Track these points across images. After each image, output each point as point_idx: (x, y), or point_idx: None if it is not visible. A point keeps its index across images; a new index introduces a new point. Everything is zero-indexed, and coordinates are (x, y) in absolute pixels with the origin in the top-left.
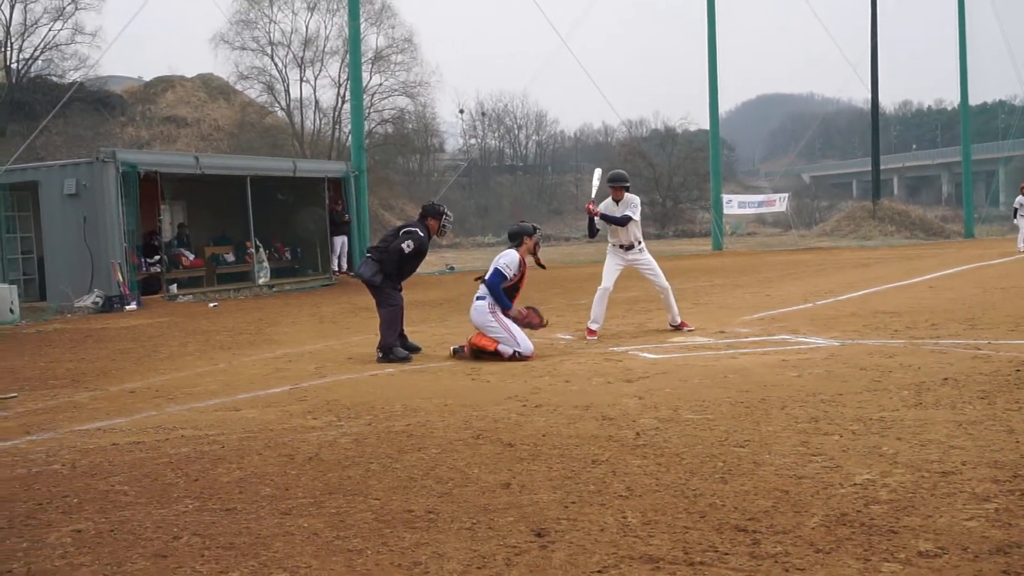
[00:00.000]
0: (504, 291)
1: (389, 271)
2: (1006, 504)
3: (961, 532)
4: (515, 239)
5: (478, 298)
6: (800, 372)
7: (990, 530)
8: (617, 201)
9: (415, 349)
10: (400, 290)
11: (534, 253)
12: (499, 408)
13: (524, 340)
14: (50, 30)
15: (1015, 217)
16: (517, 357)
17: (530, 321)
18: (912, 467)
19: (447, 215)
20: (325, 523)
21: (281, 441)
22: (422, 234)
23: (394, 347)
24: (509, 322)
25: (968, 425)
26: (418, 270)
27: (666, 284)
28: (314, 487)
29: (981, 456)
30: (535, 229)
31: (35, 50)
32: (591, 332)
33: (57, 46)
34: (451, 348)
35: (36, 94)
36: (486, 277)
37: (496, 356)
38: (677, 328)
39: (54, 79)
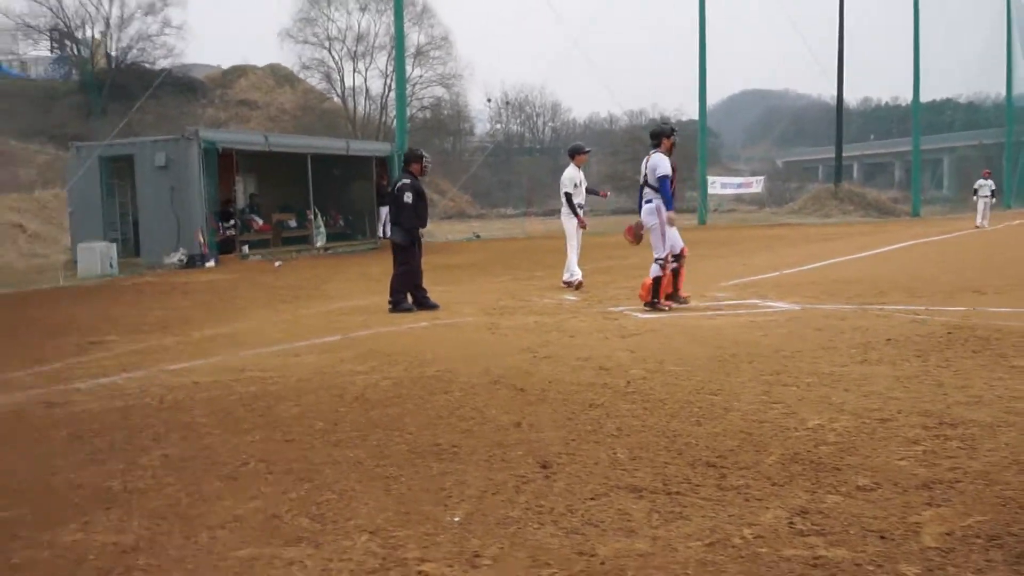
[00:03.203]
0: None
1: (411, 225)
2: (932, 447)
3: (894, 470)
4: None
5: (647, 201)
6: (766, 332)
7: (918, 468)
8: (579, 166)
9: (434, 306)
10: (417, 251)
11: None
12: (513, 358)
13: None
14: (143, 24)
15: (975, 196)
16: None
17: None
18: (856, 414)
19: (425, 156)
20: (367, 453)
21: (332, 383)
22: (410, 181)
23: (401, 301)
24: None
25: (904, 379)
26: (448, 236)
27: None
28: (359, 422)
29: (914, 406)
30: (672, 130)
31: (131, 40)
32: (579, 284)
33: (149, 37)
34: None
35: (131, 78)
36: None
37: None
38: (570, 284)
39: (146, 66)
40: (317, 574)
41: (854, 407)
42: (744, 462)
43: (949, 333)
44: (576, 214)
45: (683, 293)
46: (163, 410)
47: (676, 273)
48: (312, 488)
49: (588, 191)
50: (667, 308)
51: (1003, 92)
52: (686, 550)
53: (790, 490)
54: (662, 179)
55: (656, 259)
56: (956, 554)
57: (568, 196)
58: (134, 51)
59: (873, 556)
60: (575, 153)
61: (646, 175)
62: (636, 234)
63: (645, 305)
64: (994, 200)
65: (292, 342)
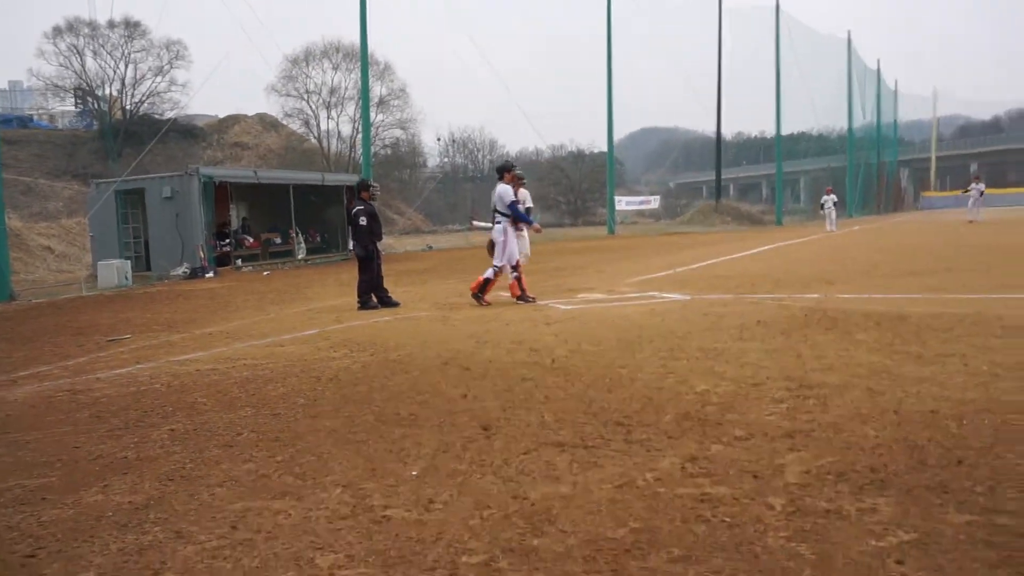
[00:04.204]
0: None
1: (366, 241)
2: (793, 405)
3: (763, 423)
4: (500, 172)
5: (496, 222)
6: (663, 318)
7: (782, 422)
8: (516, 190)
9: (395, 304)
10: (378, 261)
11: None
12: (461, 344)
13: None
14: (153, 82)
15: (822, 209)
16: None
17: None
18: (734, 381)
19: (373, 185)
20: (341, 423)
21: (312, 367)
22: (364, 206)
23: (367, 301)
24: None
25: (772, 352)
26: (406, 248)
27: (528, 252)
28: (334, 399)
29: (780, 373)
30: (512, 166)
31: (142, 96)
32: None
33: (158, 93)
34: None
35: (143, 127)
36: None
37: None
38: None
39: (156, 116)
40: (299, 520)
41: (733, 375)
42: (646, 420)
43: (806, 315)
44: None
45: (530, 294)
46: (170, 393)
47: (518, 279)
48: (295, 452)
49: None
50: (487, 303)
51: (845, 126)
52: (600, 491)
53: (682, 442)
54: (512, 205)
55: (493, 265)
56: (812, 488)
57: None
58: (145, 105)
59: (748, 491)
60: (507, 173)
61: (495, 202)
62: (490, 247)
63: (473, 296)
64: (835, 211)
65: (278, 335)
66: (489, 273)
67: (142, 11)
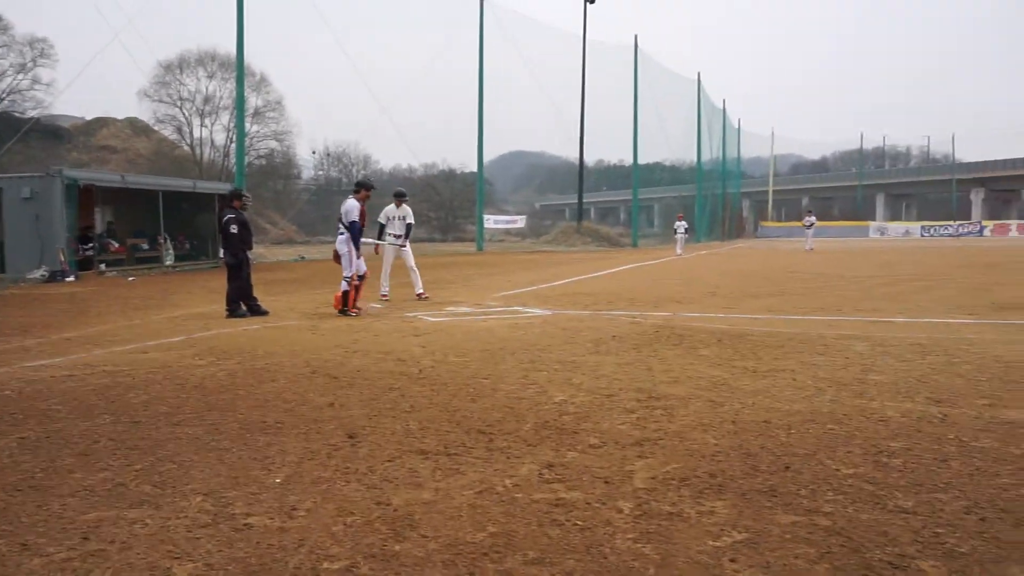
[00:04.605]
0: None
1: (237, 249)
2: (643, 415)
3: (616, 432)
4: (356, 188)
5: (340, 234)
6: (525, 331)
7: (632, 431)
8: (398, 206)
9: (264, 312)
10: (248, 269)
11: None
12: (329, 352)
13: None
14: (13, 79)
15: (675, 234)
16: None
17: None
18: (590, 392)
19: (246, 195)
20: (204, 430)
21: (176, 375)
22: (234, 215)
23: (236, 309)
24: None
25: (625, 365)
26: (278, 258)
27: (415, 267)
28: (198, 406)
29: (631, 385)
30: (372, 187)
31: (2, 93)
32: (384, 296)
33: (19, 91)
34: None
35: (2, 126)
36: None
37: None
38: (420, 296)
39: (16, 115)
40: (157, 530)
41: (588, 386)
42: (507, 429)
43: (657, 331)
44: (378, 240)
45: (360, 305)
46: (21, 400)
47: (357, 289)
48: (155, 460)
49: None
50: (355, 313)
51: (695, 159)
52: (461, 497)
53: (541, 449)
54: (352, 224)
55: (344, 277)
56: (658, 492)
57: (381, 226)
58: (5, 102)
59: (599, 496)
60: (395, 196)
61: (340, 215)
62: (336, 258)
63: (339, 312)
64: (687, 236)
65: (142, 342)
66: (344, 286)
67: (3, 5)
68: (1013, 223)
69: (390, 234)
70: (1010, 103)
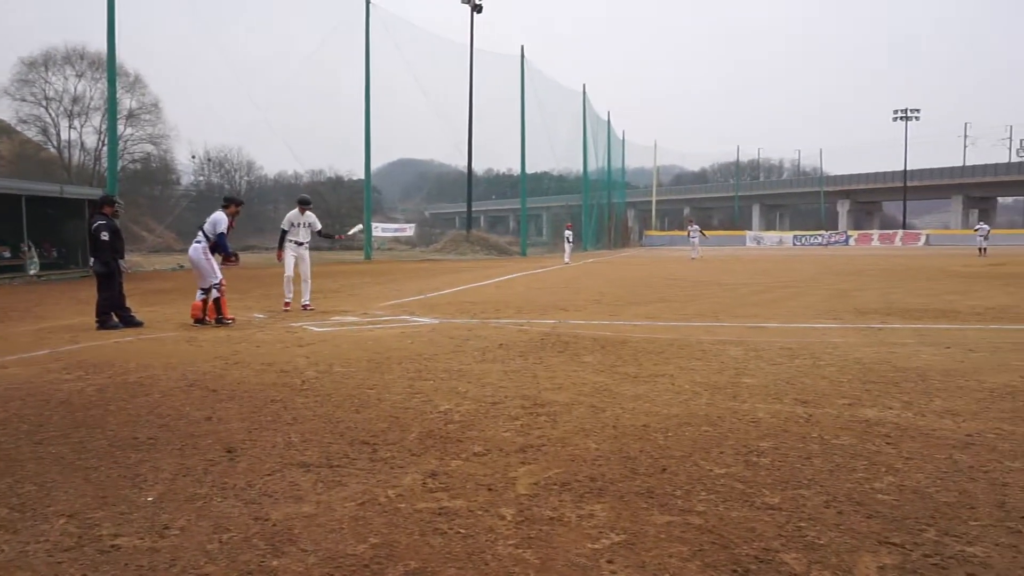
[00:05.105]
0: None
1: (107, 257)
2: (527, 422)
3: (500, 439)
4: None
5: (197, 242)
6: (413, 340)
7: (516, 437)
8: (302, 212)
9: (139, 324)
10: (120, 278)
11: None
12: (208, 365)
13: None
14: None
15: (566, 244)
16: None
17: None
18: (475, 400)
19: (118, 202)
20: (70, 449)
21: (39, 391)
22: (105, 221)
23: (107, 320)
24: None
25: (511, 373)
26: (155, 266)
27: (308, 278)
28: (63, 423)
29: (516, 392)
30: (241, 202)
31: None
32: (287, 304)
33: None
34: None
35: None
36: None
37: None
38: (305, 307)
39: None
40: (14, 556)
41: (474, 395)
42: (391, 439)
43: (542, 339)
44: (280, 247)
45: (210, 318)
46: None
47: (214, 299)
48: (13, 482)
49: (321, 233)
50: (232, 320)
51: (581, 168)
52: (343, 509)
53: (425, 458)
54: (220, 236)
55: (201, 288)
56: (540, 498)
57: (283, 232)
58: None
59: (482, 503)
60: (300, 202)
61: (204, 225)
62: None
63: (195, 322)
64: (574, 245)
65: (1, 356)
66: (204, 296)
67: None
68: (875, 232)
69: (291, 240)
70: (874, 123)
